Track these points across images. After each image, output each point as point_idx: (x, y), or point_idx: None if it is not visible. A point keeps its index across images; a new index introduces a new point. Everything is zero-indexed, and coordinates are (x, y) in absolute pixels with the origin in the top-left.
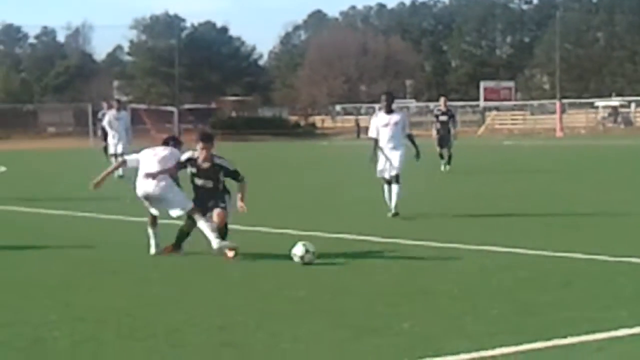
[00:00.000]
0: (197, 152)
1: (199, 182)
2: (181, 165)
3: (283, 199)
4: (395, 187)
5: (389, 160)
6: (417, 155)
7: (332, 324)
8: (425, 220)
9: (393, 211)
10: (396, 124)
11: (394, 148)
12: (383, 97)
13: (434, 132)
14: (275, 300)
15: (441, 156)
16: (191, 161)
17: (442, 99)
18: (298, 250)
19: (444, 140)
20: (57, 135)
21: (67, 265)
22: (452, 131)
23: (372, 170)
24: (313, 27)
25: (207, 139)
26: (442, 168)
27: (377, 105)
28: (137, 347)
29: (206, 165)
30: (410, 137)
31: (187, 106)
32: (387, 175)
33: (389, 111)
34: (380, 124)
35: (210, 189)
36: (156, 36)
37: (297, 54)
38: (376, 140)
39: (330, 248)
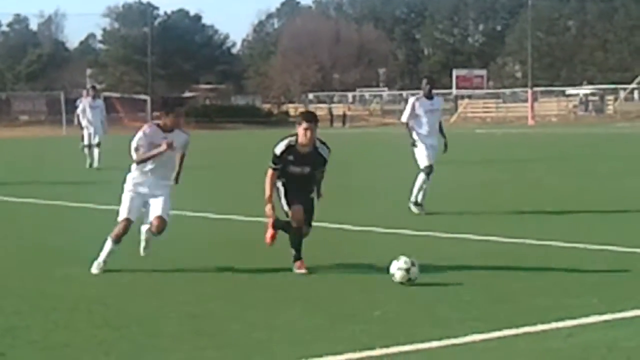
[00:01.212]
0: (294, 137)
1: (295, 170)
2: (279, 159)
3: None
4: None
5: (431, 148)
6: (446, 147)
7: (307, 312)
8: (399, 209)
9: (420, 204)
10: (438, 110)
11: (435, 135)
12: (424, 82)
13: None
14: (250, 289)
15: None
16: (290, 148)
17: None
18: (402, 264)
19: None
20: (30, 123)
21: (39, 254)
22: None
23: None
24: (286, 15)
25: (312, 119)
26: None
27: (349, 94)
28: (111, 336)
29: (306, 150)
30: (440, 126)
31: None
32: (428, 163)
33: (431, 96)
34: (423, 110)
35: (306, 177)
36: (129, 24)
37: (270, 42)
38: (407, 125)
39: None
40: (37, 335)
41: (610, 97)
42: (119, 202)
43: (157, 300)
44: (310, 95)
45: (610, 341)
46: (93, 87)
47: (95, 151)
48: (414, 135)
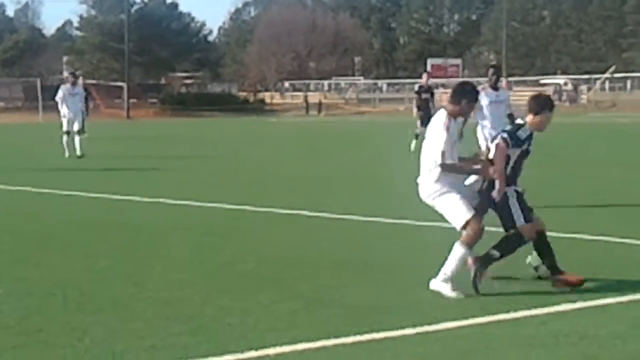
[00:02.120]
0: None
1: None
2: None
3: (236, 175)
4: None
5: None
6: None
7: (281, 297)
8: (375, 197)
9: None
10: (503, 102)
11: (500, 128)
12: (491, 71)
13: (414, 110)
14: (224, 274)
15: (416, 136)
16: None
17: (424, 75)
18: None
19: (427, 117)
20: (6, 110)
21: (15, 239)
22: (433, 109)
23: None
24: (263, 3)
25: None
26: (412, 148)
27: (325, 82)
28: (85, 320)
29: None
30: (510, 117)
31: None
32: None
33: (496, 87)
34: (488, 101)
35: None
36: (106, 11)
37: (247, 30)
38: None
39: (280, 222)
40: (12, 321)
41: (584, 87)
42: (91, 189)
43: (131, 286)
44: (286, 83)
45: (582, 329)
46: (72, 74)
47: (76, 139)
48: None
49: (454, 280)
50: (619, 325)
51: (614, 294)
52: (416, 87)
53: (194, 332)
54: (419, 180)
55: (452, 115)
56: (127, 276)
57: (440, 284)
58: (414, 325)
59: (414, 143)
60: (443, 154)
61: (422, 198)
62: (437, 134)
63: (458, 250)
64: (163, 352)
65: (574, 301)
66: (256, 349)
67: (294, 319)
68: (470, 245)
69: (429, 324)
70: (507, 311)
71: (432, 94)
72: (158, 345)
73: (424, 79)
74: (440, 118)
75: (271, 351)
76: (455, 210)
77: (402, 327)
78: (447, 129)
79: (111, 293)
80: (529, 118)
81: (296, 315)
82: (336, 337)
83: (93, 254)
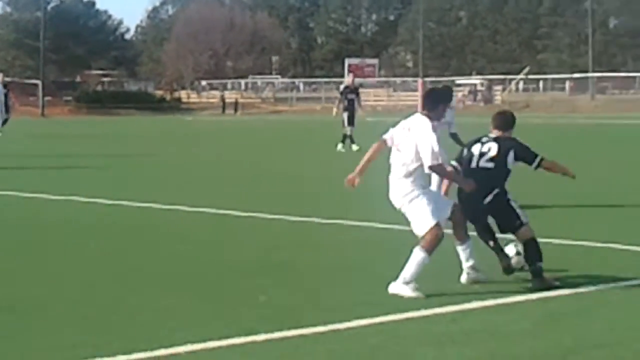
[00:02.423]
0: None
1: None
2: None
3: (148, 173)
4: None
5: None
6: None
7: (192, 296)
8: (283, 195)
9: None
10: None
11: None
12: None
13: (340, 110)
14: (135, 274)
15: (344, 137)
16: None
17: (350, 75)
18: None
19: (353, 118)
20: None
21: None
22: (359, 110)
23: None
24: (180, 1)
25: None
26: (340, 148)
27: (242, 81)
28: None
29: None
30: (454, 137)
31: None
32: None
33: None
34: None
35: None
36: (21, 8)
37: (164, 28)
38: None
39: (192, 222)
40: None
41: (499, 88)
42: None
43: (43, 285)
44: (203, 82)
45: (491, 326)
46: None
47: None
48: None
49: (414, 281)
50: (528, 322)
51: (523, 291)
52: (341, 87)
53: (105, 331)
54: (391, 181)
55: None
56: (37, 275)
57: (400, 287)
58: (326, 323)
59: (340, 145)
60: (435, 154)
61: (393, 199)
62: (425, 137)
63: (418, 255)
64: (74, 351)
65: (484, 299)
66: (167, 347)
67: (205, 318)
68: (429, 250)
69: (341, 321)
70: (418, 309)
71: (358, 94)
72: (69, 344)
73: (349, 79)
74: (423, 121)
75: (182, 349)
76: (422, 216)
77: (314, 325)
78: (435, 130)
79: (21, 293)
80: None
81: (207, 314)
82: (248, 335)
83: (4, 252)
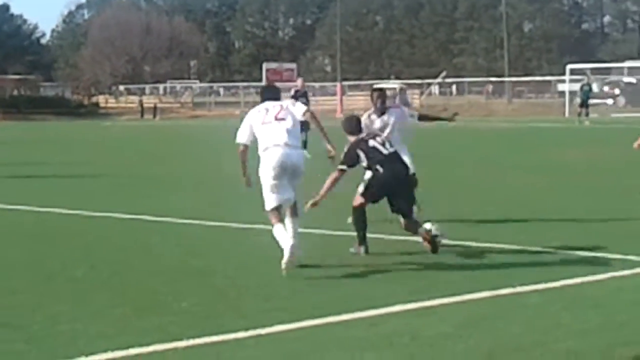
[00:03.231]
0: None
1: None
2: None
3: (70, 179)
4: None
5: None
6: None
7: (113, 303)
8: (200, 199)
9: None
10: (393, 125)
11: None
12: (375, 95)
13: None
14: (56, 281)
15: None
16: None
17: (299, 80)
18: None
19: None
20: None
21: None
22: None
23: None
24: (96, 6)
25: None
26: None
27: (161, 86)
28: None
29: None
30: (422, 118)
31: None
32: None
33: (383, 112)
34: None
35: None
36: None
37: (80, 33)
38: None
39: (113, 227)
40: None
41: (417, 92)
42: None
43: None
44: (121, 87)
45: (413, 329)
46: None
47: None
48: None
49: None
50: (448, 325)
51: (442, 294)
52: (292, 92)
53: (25, 339)
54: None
55: None
56: None
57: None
58: (247, 329)
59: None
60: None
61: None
62: None
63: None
64: None
65: (406, 302)
66: (87, 355)
67: (125, 325)
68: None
69: (262, 326)
70: (339, 313)
71: (307, 98)
72: None
73: (299, 83)
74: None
75: (102, 357)
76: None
77: (235, 331)
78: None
79: None
80: None
81: (127, 321)
82: (168, 341)
83: None
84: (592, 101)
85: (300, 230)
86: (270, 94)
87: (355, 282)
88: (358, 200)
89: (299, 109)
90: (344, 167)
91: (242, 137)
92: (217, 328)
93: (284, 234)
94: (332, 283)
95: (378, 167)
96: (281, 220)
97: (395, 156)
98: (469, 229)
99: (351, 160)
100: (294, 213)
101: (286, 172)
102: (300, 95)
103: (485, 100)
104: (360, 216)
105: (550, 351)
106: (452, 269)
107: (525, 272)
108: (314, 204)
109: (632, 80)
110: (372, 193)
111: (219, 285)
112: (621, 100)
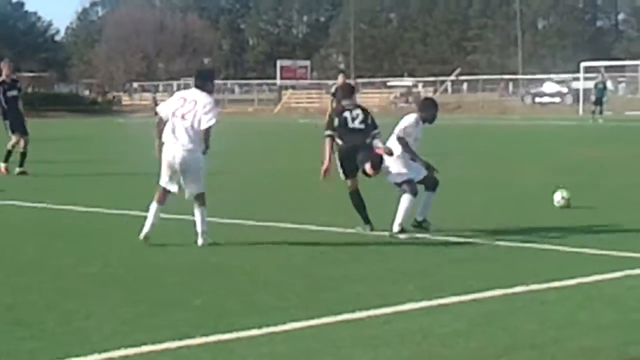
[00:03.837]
0: None
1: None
2: None
3: (90, 177)
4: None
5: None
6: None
7: (126, 300)
8: (213, 197)
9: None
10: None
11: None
12: (430, 104)
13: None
14: (69, 278)
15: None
16: None
17: (341, 76)
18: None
19: None
20: None
21: None
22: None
23: None
24: (111, 3)
25: None
26: None
27: (175, 83)
28: None
29: None
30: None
31: None
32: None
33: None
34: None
35: None
36: None
37: (95, 30)
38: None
39: (128, 225)
40: None
41: (430, 89)
42: None
43: None
44: (135, 84)
45: (425, 327)
46: None
47: None
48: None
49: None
50: (461, 323)
51: (455, 292)
52: (332, 89)
53: (38, 337)
54: None
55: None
56: None
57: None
58: (260, 327)
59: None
60: None
61: None
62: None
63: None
64: (7, 357)
65: (418, 300)
66: (100, 352)
67: (138, 322)
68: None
69: (275, 324)
70: (353, 311)
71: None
72: (2, 350)
73: (340, 80)
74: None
75: (115, 354)
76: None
77: (249, 328)
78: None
79: None
80: None
81: (141, 318)
82: (181, 339)
83: None
84: (543, 100)
85: (315, 228)
86: (199, 81)
87: (369, 280)
88: (348, 185)
89: (205, 120)
90: (327, 132)
91: (163, 110)
92: (230, 326)
93: (155, 215)
94: (345, 281)
95: (339, 140)
96: (160, 202)
97: (357, 132)
98: (480, 226)
99: (331, 125)
100: (201, 203)
101: (175, 170)
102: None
103: (499, 97)
104: (355, 199)
105: (565, 348)
106: (464, 267)
107: (539, 269)
108: (325, 172)
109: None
110: (343, 168)
111: (233, 282)
112: (569, 99)
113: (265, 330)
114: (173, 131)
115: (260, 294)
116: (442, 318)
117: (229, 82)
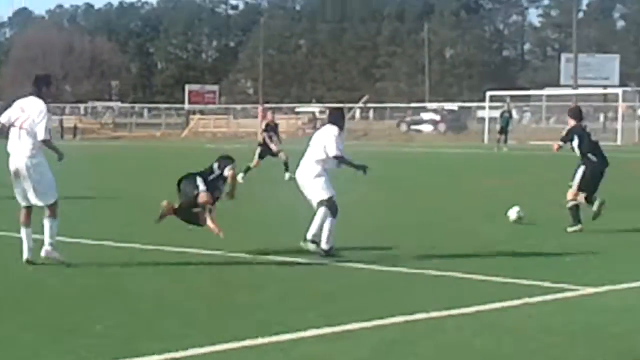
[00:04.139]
0: None
1: None
2: None
3: None
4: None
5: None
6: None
7: (26, 326)
8: (131, 224)
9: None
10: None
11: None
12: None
13: (272, 146)
14: None
15: (285, 165)
16: None
17: (269, 113)
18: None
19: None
20: None
21: None
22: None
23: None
24: (19, 25)
25: None
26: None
27: (82, 106)
28: None
29: None
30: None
31: None
32: None
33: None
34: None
35: None
36: None
37: (2, 51)
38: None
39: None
40: None
41: None
42: None
43: None
44: None
45: (325, 354)
46: None
47: None
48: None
49: None
50: (363, 350)
51: (357, 319)
52: (263, 125)
53: None
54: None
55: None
56: None
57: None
58: (162, 352)
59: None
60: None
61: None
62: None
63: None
64: None
65: (319, 327)
66: None
67: (40, 349)
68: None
69: (177, 350)
70: (255, 337)
71: (277, 133)
72: None
73: (269, 117)
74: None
75: None
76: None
77: (150, 354)
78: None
79: None
80: None
81: (42, 345)
82: None
83: None
84: (416, 127)
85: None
86: (34, 87)
87: (272, 307)
88: None
89: (40, 131)
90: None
91: (3, 118)
92: (132, 351)
93: (27, 238)
94: (249, 307)
95: None
96: (24, 224)
97: None
98: (382, 253)
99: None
100: (50, 214)
101: (17, 178)
102: (271, 129)
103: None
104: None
105: None
106: (365, 294)
107: (439, 297)
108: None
109: (454, 107)
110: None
111: (134, 306)
112: (442, 127)
113: (166, 355)
114: (14, 140)
115: (162, 319)
116: (343, 345)
117: (137, 105)
